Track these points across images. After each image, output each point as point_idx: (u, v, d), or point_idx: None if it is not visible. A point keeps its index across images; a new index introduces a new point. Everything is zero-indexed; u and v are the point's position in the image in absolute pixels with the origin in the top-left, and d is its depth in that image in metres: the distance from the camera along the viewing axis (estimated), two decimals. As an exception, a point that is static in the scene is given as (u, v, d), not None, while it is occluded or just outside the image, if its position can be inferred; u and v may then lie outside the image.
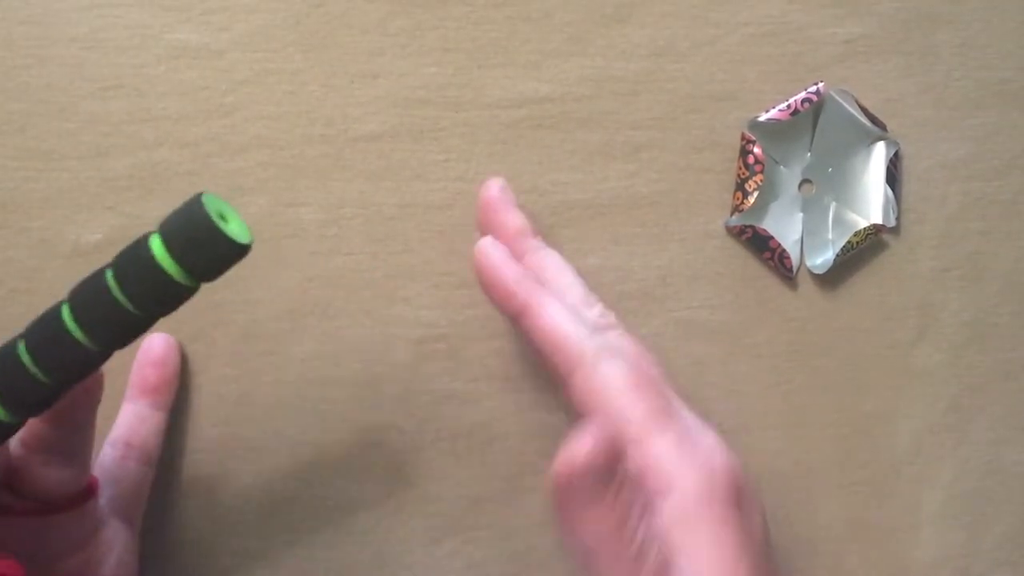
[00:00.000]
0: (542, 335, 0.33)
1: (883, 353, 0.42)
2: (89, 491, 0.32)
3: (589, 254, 0.38)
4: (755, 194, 0.40)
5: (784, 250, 0.41)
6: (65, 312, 0.27)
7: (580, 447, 0.30)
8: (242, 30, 0.39)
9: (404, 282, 0.40)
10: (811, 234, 0.42)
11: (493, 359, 0.40)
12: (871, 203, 0.42)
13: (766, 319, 0.42)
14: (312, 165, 0.39)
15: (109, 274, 0.27)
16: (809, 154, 0.42)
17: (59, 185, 0.38)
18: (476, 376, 0.40)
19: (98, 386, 0.30)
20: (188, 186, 0.39)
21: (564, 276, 0.36)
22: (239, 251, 0.26)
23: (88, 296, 0.27)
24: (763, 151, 0.40)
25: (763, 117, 0.41)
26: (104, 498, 0.35)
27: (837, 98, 0.41)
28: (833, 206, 0.42)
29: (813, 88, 0.41)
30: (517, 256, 0.36)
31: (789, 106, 0.41)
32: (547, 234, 0.39)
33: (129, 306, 0.26)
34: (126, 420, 0.37)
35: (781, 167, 0.42)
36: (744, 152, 0.41)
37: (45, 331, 0.27)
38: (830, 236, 0.42)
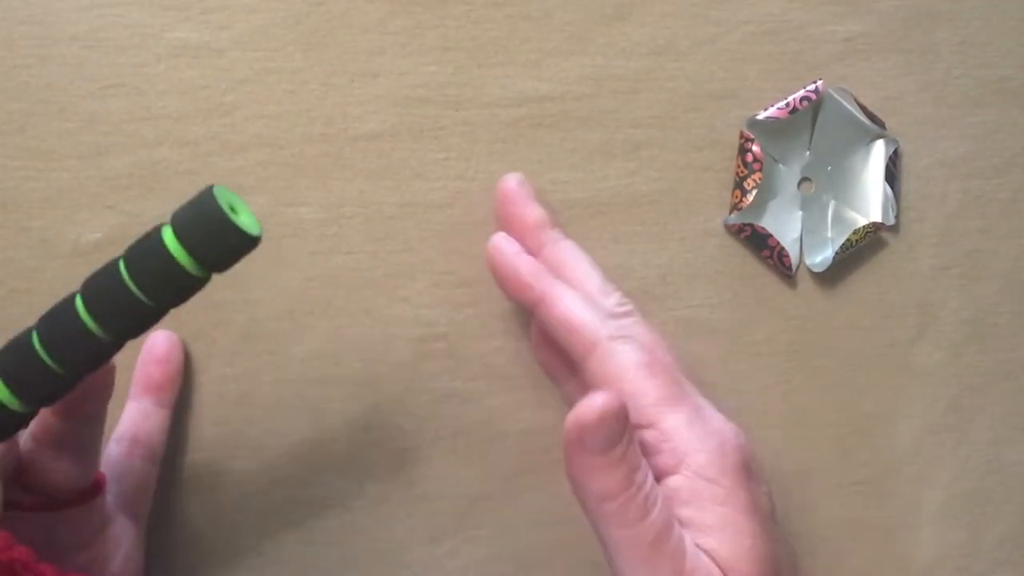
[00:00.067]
0: (558, 322, 0.35)
1: (883, 352, 0.42)
2: (97, 487, 0.33)
3: (589, 252, 0.38)
4: (754, 192, 0.40)
5: (783, 248, 0.41)
6: (79, 303, 0.27)
7: (592, 403, 0.30)
8: (242, 29, 0.39)
9: (404, 281, 0.40)
10: (810, 232, 0.42)
11: (493, 358, 0.40)
12: (870, 201, 0.42)
13: (765, 317, 0.42)
14: (312, 164, 0.39)
15: (122, 265, 0.27)
16: (808, 152, 0.42)
17: (59, 184, 0.38)
18: (476, 375, 0.40)
19: (110, 377, 0.31)
20: (188, 185, 0.39)
21: (582, 266, 0.37)
22: (250, 242, 0.27)
23: (101, 287, 0.27)
24: (762, 149, 0.40)
25: (762, 115, 0.41)
26: (111, 494, 0.35)
27: (836, 96, 0.41)
28: (832, 204, 0.42)
29: (812, 86, 0.41)
30: (536, 248, 0.37)
31: (788, 104, 0.41)
32: (550, 232, 0.39)
33: (142, 296, 0.27)
34: (131, 417, 0.37)
35: (780, 165, 0.42)
36: (743, 150, 0.41)
37: (59, 321, 0.27)
38: (829, 234, 0.42)
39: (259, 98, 0.39)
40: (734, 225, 0.41)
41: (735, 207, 0.41)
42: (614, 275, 0.38)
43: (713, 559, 0.31)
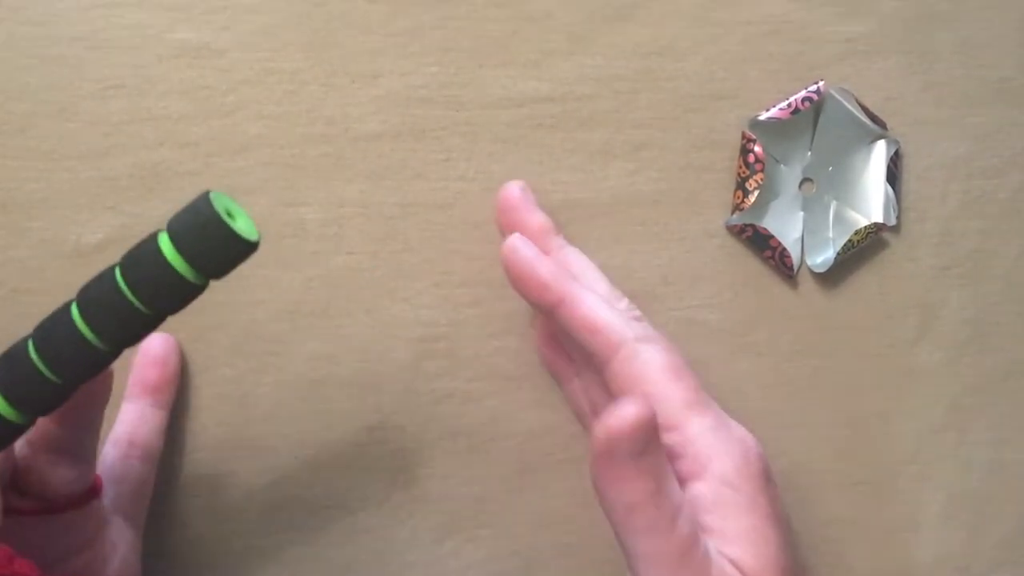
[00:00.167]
0: (581, 323, 0.34)
1: (884, 352, 0.42)
2: (94, 490, 0.32)
3: (590, 253, 0.38)
4: (755, 193, 0.40)
5: (785, 249, 0.41)
6: (74, 311, 0.27)
7: (623, 412, 0.30)
8: (243, 29, 0.39)
9: (404, 281, 0.40)
10: (811, 233, 0.42)
11: (494, 358, 0.40)
12: (871, 202, 0.42)
13: (767, 318, 0.42)
14: (313, 164, 0.39)
15: (118, 273, 0.27)
16: (809, 153, 0.42)
17: (60, 185, 0.38)
18: (476, 375, 0.40)
19: (107, 384, 0.31)
20: (189, 186, 0.39)
21: (589, 272, 0.37)
22: (248, 248, 0.26)
23: (97, 295, 0.27)
24: (763, 150, 0.40)
25: (763, 116, 0.41)
26: (108, 497, 0.35)
27: (837, 97, 0.41)
28: (834, 205, 0.42)
29: (813, 87, 0.41)
30: None
31: (789, 105, 0.41)
32: (549, 233, 0.39)
33: (139, 304, 0.26)
34: (128, 419, 0.37)
35: (782, 166, 0.42)
36: (744, 151, 0.41)
37: (54, 331, 0.27)
38: (830, 235, 0.42)
39: (260, 99, 0.39)
40: (736, 226, 0.41)
41: (737, 208, 0.41)
42: (615, 276, 0.38)
43: (739, 568, 0.30)
